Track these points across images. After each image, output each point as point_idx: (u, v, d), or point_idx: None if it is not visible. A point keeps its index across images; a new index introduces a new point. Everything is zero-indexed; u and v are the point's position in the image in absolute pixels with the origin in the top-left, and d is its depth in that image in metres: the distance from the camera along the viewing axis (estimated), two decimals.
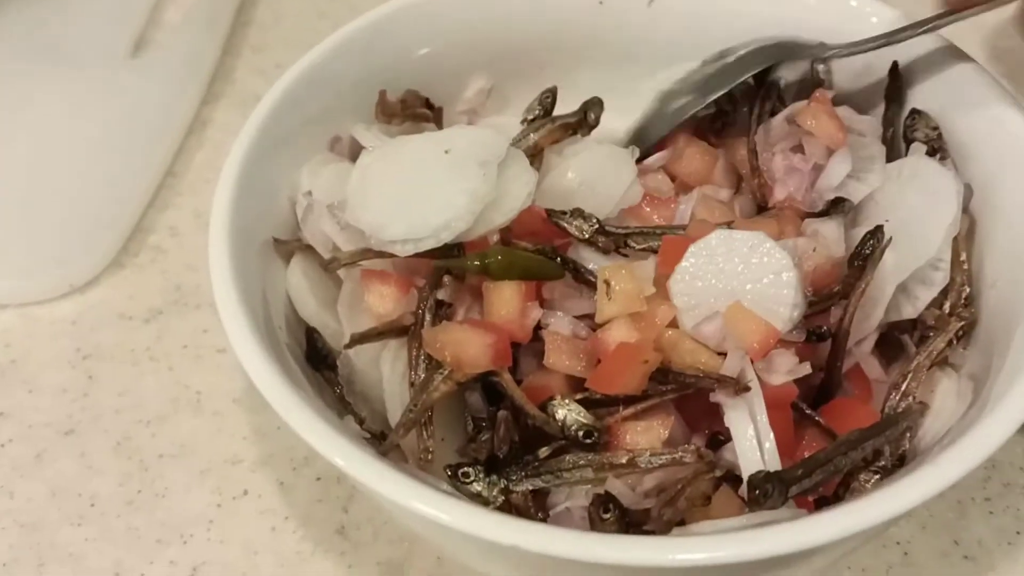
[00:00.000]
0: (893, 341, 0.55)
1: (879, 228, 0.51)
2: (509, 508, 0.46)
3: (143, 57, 0.80)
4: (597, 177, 0.56)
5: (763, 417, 0.45)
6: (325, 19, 0.84)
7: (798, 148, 0.56)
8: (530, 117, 0.59)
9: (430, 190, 0.52)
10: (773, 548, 0.38)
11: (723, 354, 0.48)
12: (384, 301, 0.51)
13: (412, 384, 0.49)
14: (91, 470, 0.57)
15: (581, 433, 0.46)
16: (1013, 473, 0.56)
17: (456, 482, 0.45)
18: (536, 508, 0.47)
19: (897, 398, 0.50)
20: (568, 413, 0.46)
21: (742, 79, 0.60)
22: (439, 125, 0.64)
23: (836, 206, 0.54)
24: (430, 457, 0.47)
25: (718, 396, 0.47)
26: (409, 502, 0.40)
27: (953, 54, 0.57)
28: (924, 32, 0.54)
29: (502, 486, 0.45)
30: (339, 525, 0.55)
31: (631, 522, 0.44)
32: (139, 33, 0.81)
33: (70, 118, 0.75)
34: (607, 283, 0.49)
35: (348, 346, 0.49)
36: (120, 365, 0.62)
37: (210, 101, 0.78)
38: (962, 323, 0.51)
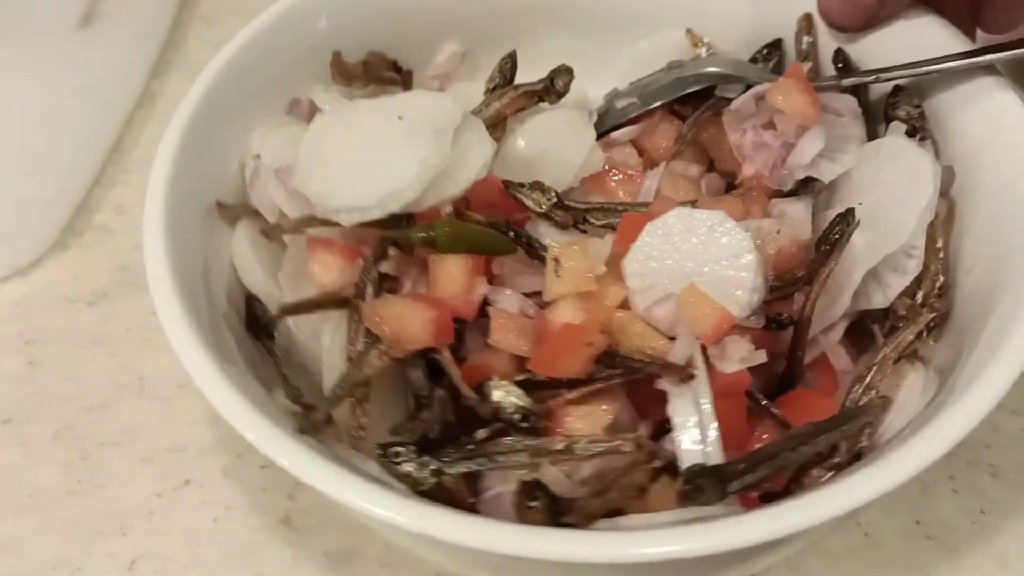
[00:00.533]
0: (865, 330, 0.52)
1: (850, 211, 0.49)
2: (440, 490, 0.44)
3: (91, 28, 0.77)
4: (554, 143, 0.54)
5: (708, 407, 0.43)
6: None
7: (770, 125, 0.53)
8: (492, 85, 0.57)
9: (380, 157, 0.50)
10: (687, 548, 0.36)
11: (675, 338, 0.46)
12: (328, 271, 0.49)
13: (350, 358, 0.47)
14: (31, 460, 0.55)
15: (517, 416, 0.44)
16: (978, 451, 0.54)
17: (386, 461, 0.43)
18: (469, 492, 0.45)
19: (860, 391, 0.48)
20: (505, 395, 0.44)
21: (685, 93, 0.58)
22: (408, 89, 0.61)
23: (805, 186, 0.51)
24: (363, 434, 0.45)
25: (663, 383, 0.45)
26: (317, 483, 0.38)
27: (941, 27, 0.53)
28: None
29: (433, 467, 0.44)
30: (284, 514, 0.53)
31: (561, 511, 0.42)
32: (88, 4, 0.78)
33: (13, 91, 0.72)
34: (556, 260, 0.47)
35: (280, 316, 0.48)
36: (64, 350, 0.60)
37: (160, 73, 0.76)
38: (934, 315, 0.49)
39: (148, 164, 0.66)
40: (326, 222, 0.49)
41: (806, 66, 0.55)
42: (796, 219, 0.49)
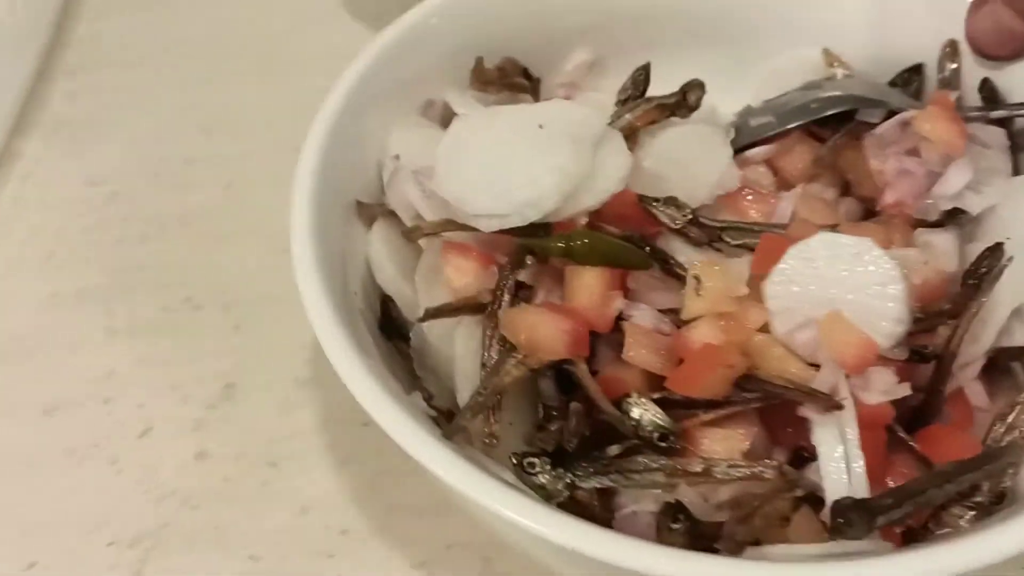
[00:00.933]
0: (1001, 368, 0.51)
1: (999, 245, 0.47)
2: (574, 504, 0.44)
3: None
4: (690, 158, 0.53)
5: (854, 438, 0.42)
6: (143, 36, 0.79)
7: (914, 152, 0.52)
8: (623, 97, 0.56)
9: (519, 164, 0.49)
10: None
11: (815, 365, 0.45)
12: (462, 275, 0.49)
13: (484, 365, 0.47)
14: None
15: (656, 435, 0.43)
16: None
17: (521, 471, 0.43)
18: (602, 507, 0.45)
19: (1002, 430, 0.46)
20: (644, 412, 0.44)
21: (821, 116, 0.57)
22: (536, 97, 0.61)
23: (952, 217, 0.50)
24: (495, 442, 0.45)
25: (806, 411, 0.44)
26: (468, 491, 0.38)
27: None
28: None
29: (568, 481, 0.43)
30: None
31: (701, 535, 0.42)
32: None
33: None
34: (697, 279, 0.46)
35: (422, 319, 0.48)
36: None
37: (23, 131, 0.72)
38: None
39: (9, 224, 0.62)
40: (463, 226, 0.49)
41: (953, 94, 0.54)
42: (943, 251, 0.49)
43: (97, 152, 0.72)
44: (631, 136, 0.55)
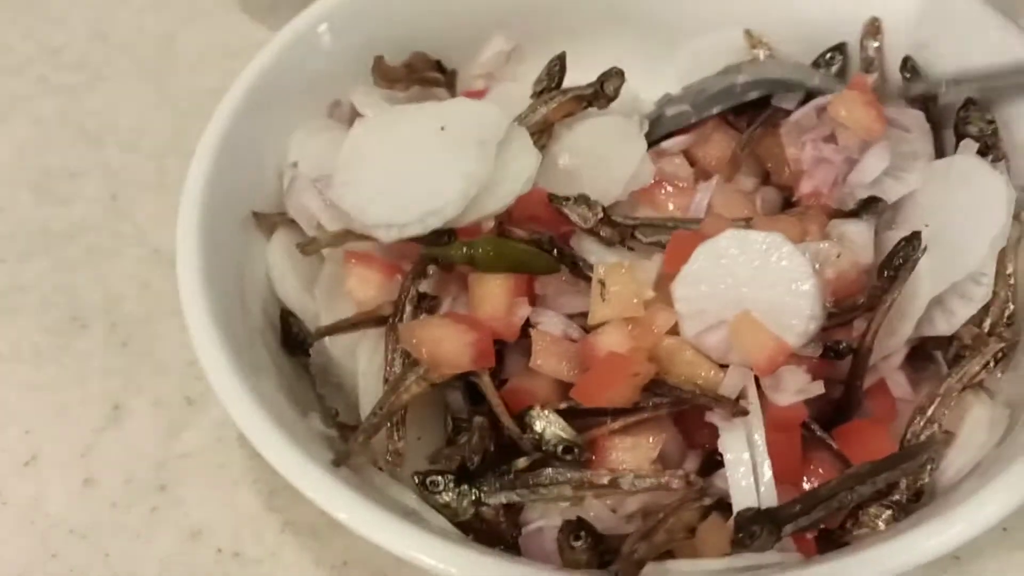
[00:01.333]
0: (925, 355, 0.50)
1: (915, 235, 0.46)
2: (479, 522, 0.42)
3: None
4: (603, 152, 0.51)
5: (762, 444, 0.41)
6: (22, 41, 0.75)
7: (831, 139, 0.51)
8: (539, 88, 0.54)
9: (421, 170, 0.48)
10: None
11: (727, 367, 0.44)
12: (366, 287, 0.48)
13: (386, 380, 0.45)
14: None
15: (560, 448, 0.42)
16: None
17: (423, 491, 0.42)
18: (508, 523, 0.43)
19: (921, 423, 0.45)
20: (547, 426, 0.43)
21: (740, 102, 0.55)
22: (452, 90, 0.60)
23: (868, 206, 0.48)
24: (399, 461, 0.44)
25: (714, 417, 0.43)
26: (350, 522, 0.37)
27: (1019, 32, 0.50)
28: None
29: (473, 498, 0.42)
30: None
31: (606, 549, 0.40)
32: None
33: None
34: (602, 283, 0.45)
35: (317, 336, 0.46)
36: None
37: None
38: (1002, 345, 0.46)
39: None
40: (364, 236, 0.48)
41: (871, 76, 0.52)
42: (858, 242, 0.47)
43: None
44: (546, 130, 0.53)
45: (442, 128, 0.49)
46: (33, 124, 0.71)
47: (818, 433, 0.45)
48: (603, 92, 0.53)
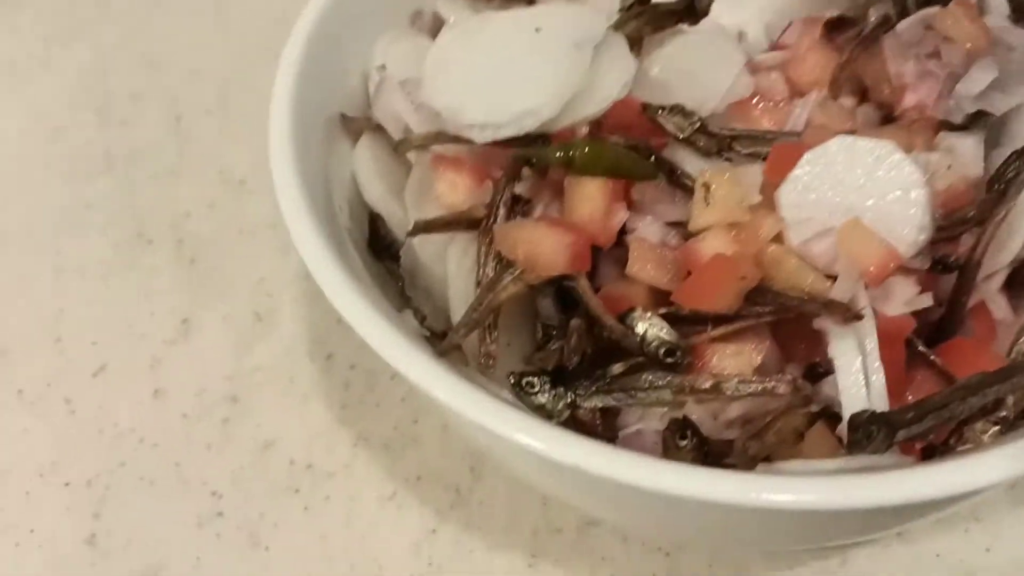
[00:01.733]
0: (1021, 280, 0.48)
1: None
2: (575, 424, 0.41)
3: None
4: (699, 67, 0.50)
5: (874, 350, 0.40)
6: None
7: (934, 55, 0.49)
8: (628, 3, 0.53)
9: (515, 72, 0.47)
10: (870, 498, 0.33)
11: (832, 277, 0.42)
12: (455, 190, 0.47)
13: (479, 283, 0.44)
14: None
15: (662, 351, 0.41)
16: None
17: (519, 391, 0.41)
18: (605, 427, 0.42)
19: None
20: (649, 327, 0.41)
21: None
22: (531, 3, 0.58)
23: (976, 120, 0.47)
24: (492, 363, 0.43)
25: (823, 323, 0.41)
26: (464, 410, 0.36)
27: None
28: None
29: (568, 400, 0.41)
30: (89, 534, 0.50)
31: (709, 452, 0.39)
32: None
33: None
34: (706, 187, 0.44)
35: (411, 234, 0.45)
36: None
37: None
38: None
39: None
40: (455, 139, 0.47)
41: None
42: (967, 155, 0.45)
43: (39, 87, 0.69)
44: (636, 44, 0.52)
45: (537, 30, 0.47)
46: (94, 49, 0.70)
47: (921, 348, 0.44)
48: (693, 8, 0.52)
